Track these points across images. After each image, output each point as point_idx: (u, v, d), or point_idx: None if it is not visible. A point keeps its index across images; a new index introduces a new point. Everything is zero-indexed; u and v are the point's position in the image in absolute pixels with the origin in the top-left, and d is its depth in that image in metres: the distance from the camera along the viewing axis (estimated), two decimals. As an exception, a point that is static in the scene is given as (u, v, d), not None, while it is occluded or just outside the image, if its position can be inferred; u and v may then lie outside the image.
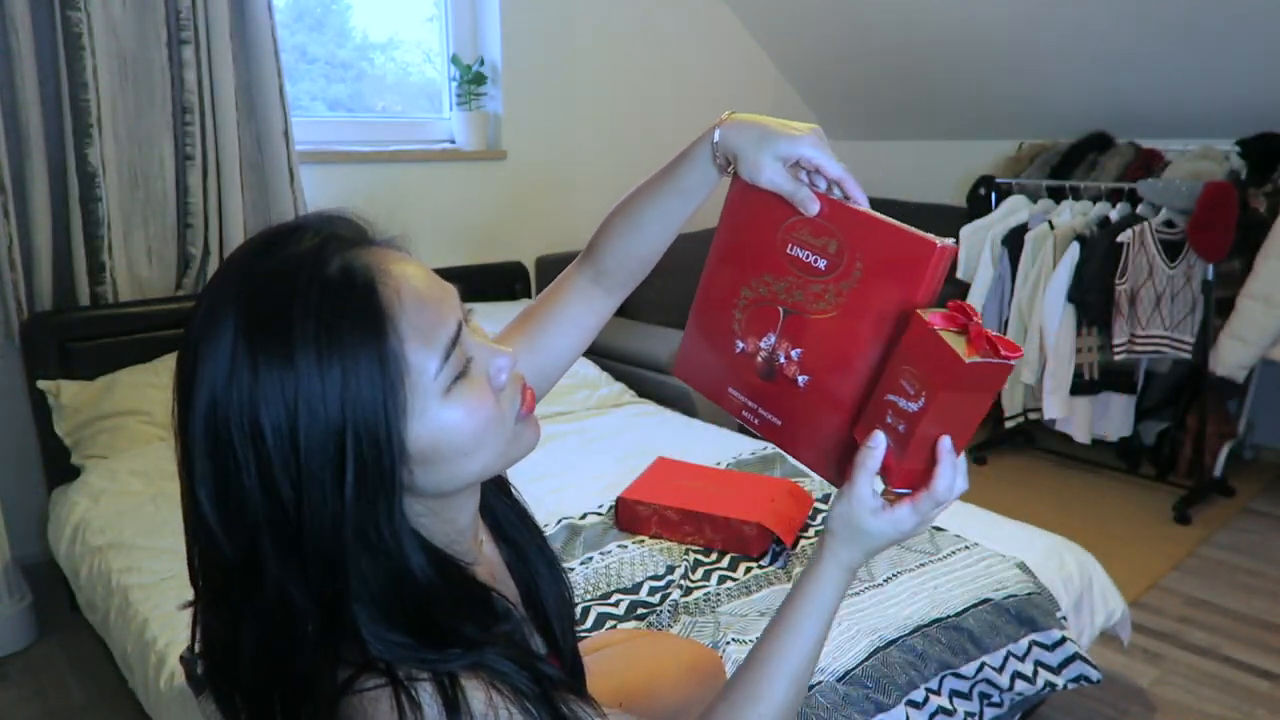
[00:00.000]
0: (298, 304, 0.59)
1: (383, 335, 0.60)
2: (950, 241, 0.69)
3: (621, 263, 0.94)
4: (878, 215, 0.73)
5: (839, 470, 0.75)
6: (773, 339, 0.78)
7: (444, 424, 0.64)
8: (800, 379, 0.77)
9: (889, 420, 0.69)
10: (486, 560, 0.81)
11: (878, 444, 0.71)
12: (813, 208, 0.78)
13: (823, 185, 0.78)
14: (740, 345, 0.81)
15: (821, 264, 0.74)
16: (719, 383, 0.83)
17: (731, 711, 0.76)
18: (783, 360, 0.78)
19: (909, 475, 0.71)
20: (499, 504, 0.87)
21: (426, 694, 0.59)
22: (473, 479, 0.69)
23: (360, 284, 0.61)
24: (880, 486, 0.73)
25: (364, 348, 0.59)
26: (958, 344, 0.64)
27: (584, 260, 0.95)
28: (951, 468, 0.71)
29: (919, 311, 0.67)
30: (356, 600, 0.61)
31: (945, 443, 0.69)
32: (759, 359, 0.80)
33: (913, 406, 0.67)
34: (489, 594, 0.71)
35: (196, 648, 0.67)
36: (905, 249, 0.70)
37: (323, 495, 0.59)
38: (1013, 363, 0.64)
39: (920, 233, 0.70)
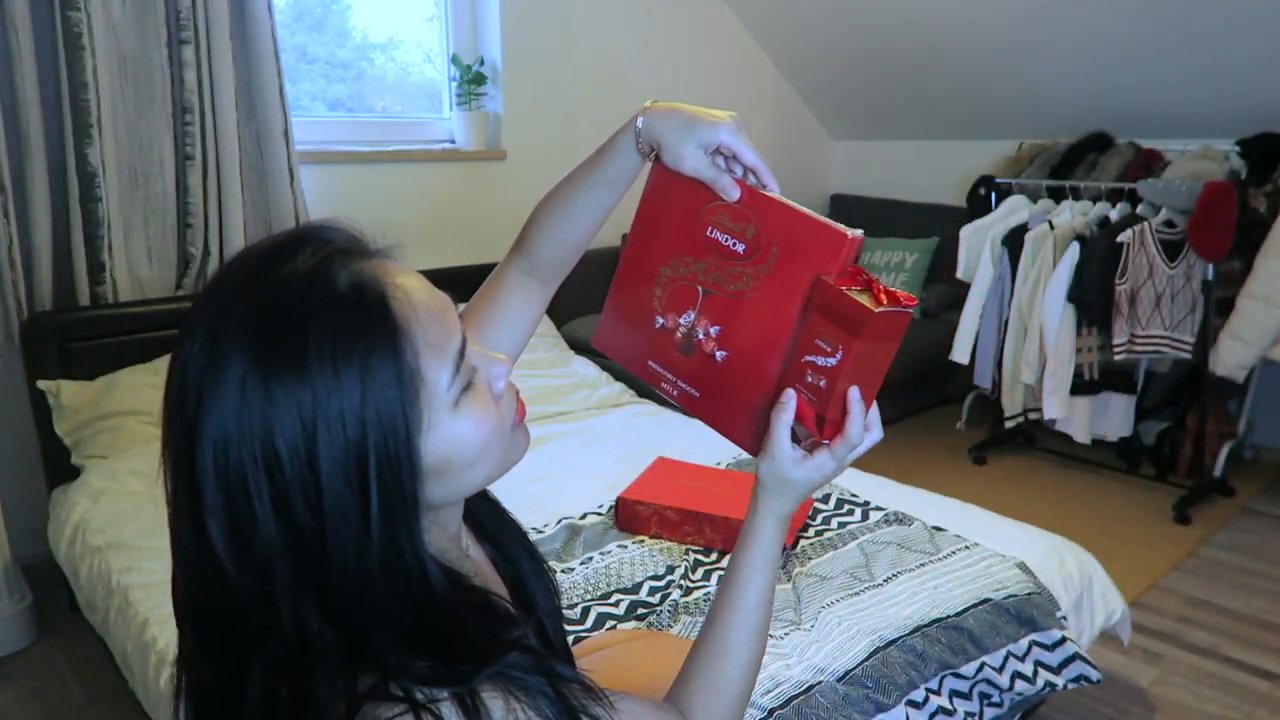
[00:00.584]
0: (312, 322, 0.57)
1: (399, 350, 0.59)
2: (859, 232, 0.75)
3: (554, 253, 0.96)
4: (793, 204, 0.79)
5: (758, 439, 0.81)
6: (692, 316, 0.83)
7: (454, 436, 0.63)
8: (719, 354, 0.82)
9: (809, 379, 0.76)
10: (475, 564, 0.81)
11: (789, 399, 0.77)
12: (733, 194, 0.82)
13: (739, 171, 0.83)
14: (660, 321, 0.85)
15: (740, 248, 0.80)
16: (639, 355, 0.88)
17: (705, 667, 0.81)
18: (701, 336, 0.83)
19: (834, 427, 0.77)
20: (479, 505, 0.87)
21: (449, 712, 0.57)
22: (474, 489, 0.69)
23: (373, 298, 0.59)
24: (795, 439, 0.79)
25: (382, 363, 0.58)
26: (864, 299, 0.72)
27: (516, 253, 0.98)
28: (861, 415, 0.78)
29: (823, 277, 0.74)
30: (381, 625, 0.59)
31: (854, 394, 0.77)
32: (678, 335, 0.84)
33: (831, 361, 0.74)
34: (491, 600, 0.70)
35: (182, 711, 0.62)
36: (819, 238, 0.76)
37: (344, 518, 0.57)
38: (912, 310, 0.72)
39: (832, 223, 0.75)
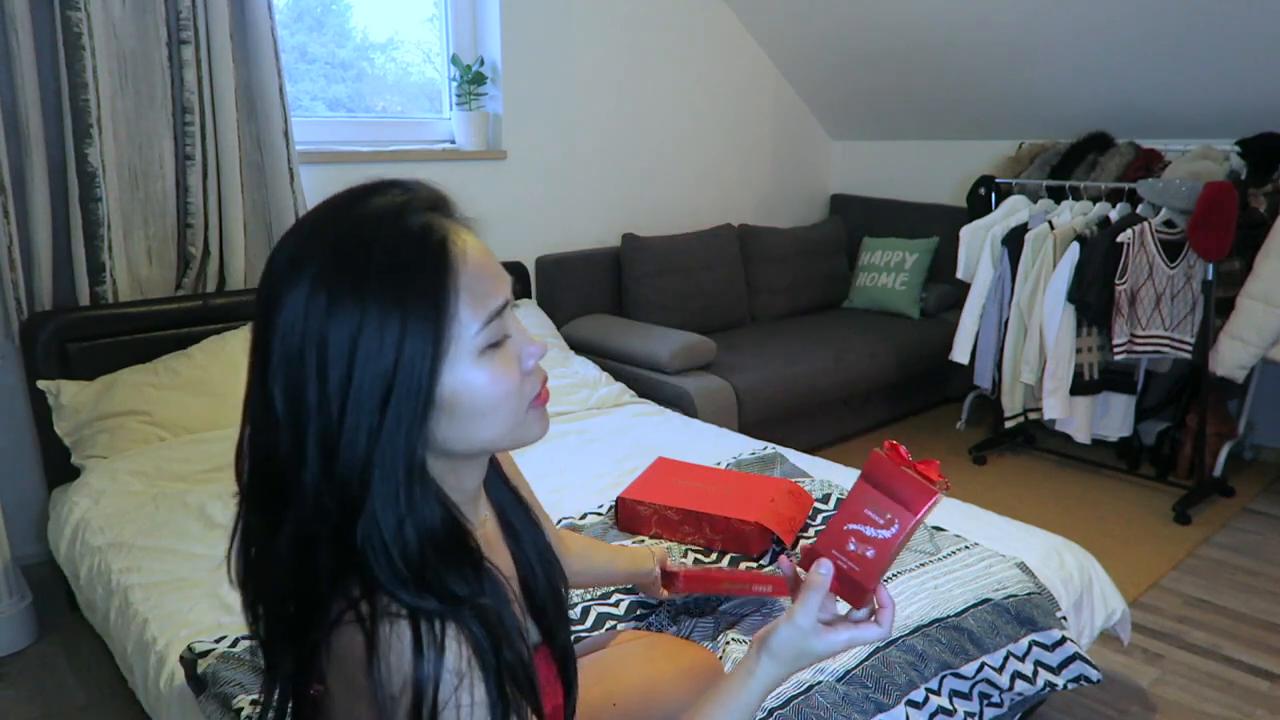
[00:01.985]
0: (377, 248, 0.68)
1: (444, 286, 0.69)
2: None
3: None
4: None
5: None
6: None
7: (469, 381, 0.71)
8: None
9: (851, 548, 0.78)
10: (487, 538, 0.84)
11: (827, 570, 0.81)
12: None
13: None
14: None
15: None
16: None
17: None
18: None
19: (862, 598, 0.79)
20: (502, 492, 0.92)
21: (405, 631, 0.65)
22: (482, 445, 0.75)
23: (435, 239, 0.70)
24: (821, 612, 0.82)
25: (428, 292, 0.68)
26: (920, 478, 0.76)
27: None
28: (892, 607, 0.82)
29: (877, 451, 0.78)
30: (369, 520, 0.68)
31: (885, 590, 0.81)
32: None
33: (885, 534, 0.76)
34: (482, 562, 0.75)
35: (235, 548, 0.74)
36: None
37: (359, 411, 0.67)
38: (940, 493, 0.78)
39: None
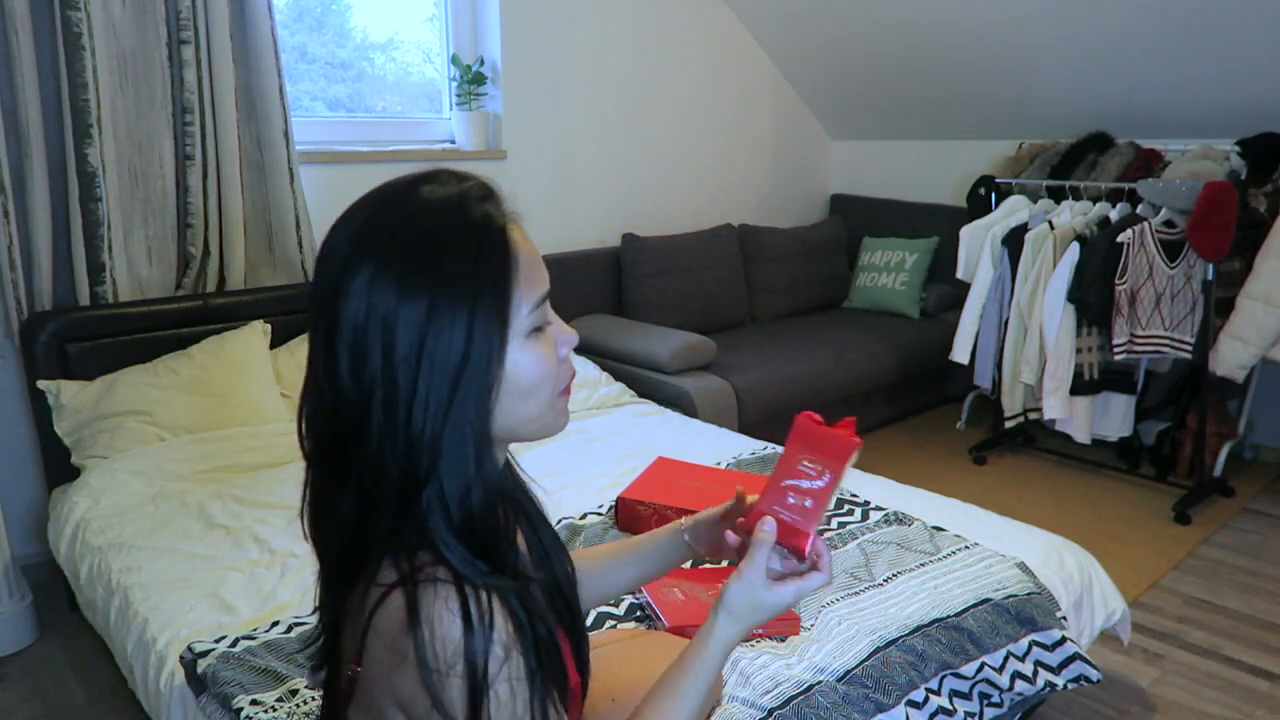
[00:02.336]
0: (445, 234, 0.72)
1: (508, 271, 0.74)
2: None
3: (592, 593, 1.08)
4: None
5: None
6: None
7: (518, 361, 0.75)
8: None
9: (791, 501, 0.85)
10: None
11: (770, 526, 0.85)
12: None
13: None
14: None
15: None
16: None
17: None
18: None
19: (806, 543, 0.85)
20: (515, 480, 0.94)
21: (454, 599, 0.69)
22: (520, 424, 0.78)
23: (496, 228, 0.75)
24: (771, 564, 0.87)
25: (497, 278, 0.73)
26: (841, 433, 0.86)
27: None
28: (827, 552, 0.87)
29: (801, 419, 0.88)
30: (436, 485, 0.72)
31: (820, 541, 0.86)
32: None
33: (819, 484, 0.84)
34: (515, 541, 0.80)
35: (305, 509, 0.79)
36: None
37: (430, 386, 0.71)
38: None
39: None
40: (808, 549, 0.85)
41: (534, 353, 0.76)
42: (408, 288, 0.70)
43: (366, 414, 0.71)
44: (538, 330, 0.77)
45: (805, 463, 0.85)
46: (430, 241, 0.72)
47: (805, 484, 0.84)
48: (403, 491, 0.72)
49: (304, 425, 0.77)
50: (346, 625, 0.76)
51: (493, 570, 0.73)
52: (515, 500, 0.92)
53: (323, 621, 0.82)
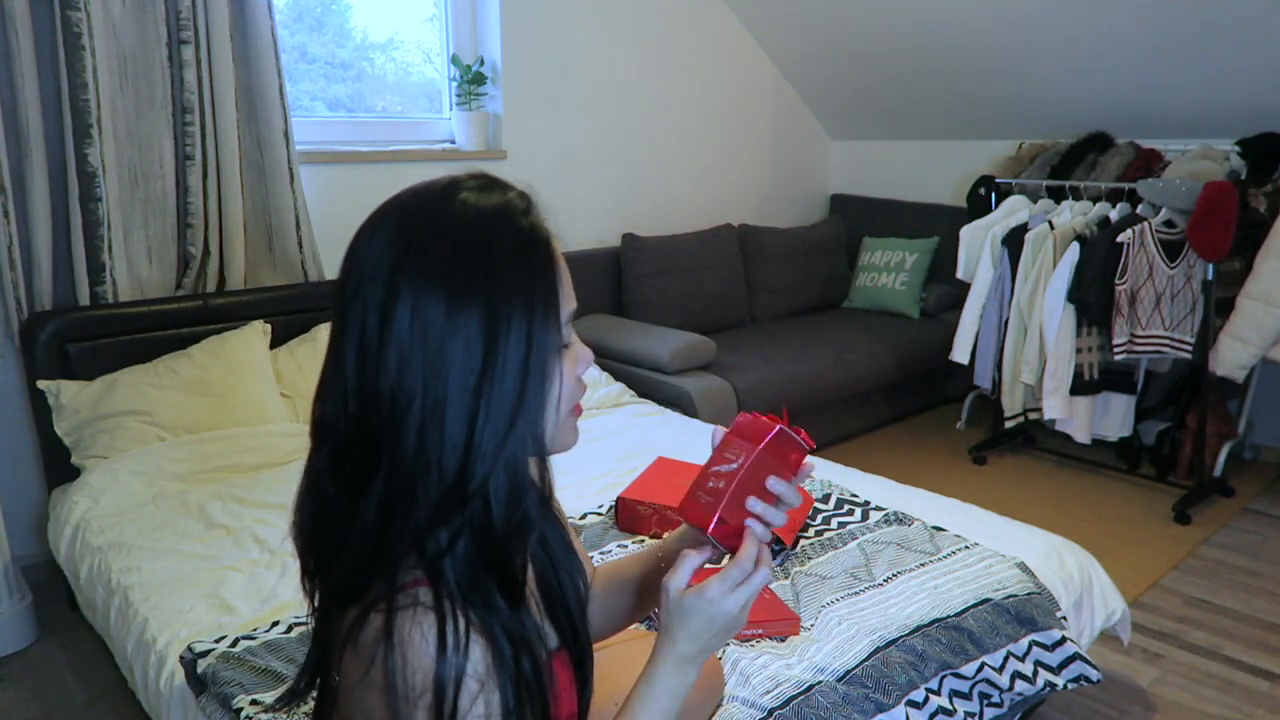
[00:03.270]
0: (500, 243, 0.71)
1: (557, 283, 0.74)
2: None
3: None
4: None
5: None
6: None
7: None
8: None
9: (709, 485, 0.84)
10: None
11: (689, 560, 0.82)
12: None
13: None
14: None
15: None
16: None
17: None
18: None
19: (728, 531, 0.83)
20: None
21: (431, 626, 0.67)
22: (540, 438, 0.75)
23: (543, 240, 0.74)
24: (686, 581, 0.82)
25: (548, 288, 0.72)
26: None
27: None
28: (754, 542, 0.81)
29: (743, 413, 0.88)
30: (479, 504, 0.71)
31: (754, 525, 0.83)
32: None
33: (733, 466, 0.83)
34: (523, 574, 0.76)
35: (296, 513, 0.77)
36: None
37: (489, 401, 0.69)
38: (807, 449, 0.86)
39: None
40: (711, 526, 0.81)
41: (561, 365, 0.76)
42: (460, 298, 0.68)
43: (404, 421, 0.69)
44: (565, 347, 0.76)
45: (728, 450, 0.85)
46: (481, 250, 0.70)
47: (724, 468, 0.84)
48: (443, 502, 0.70)
49: (318, 426, 0.75)
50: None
51: (492, 594, 0.71)
52: (542, 542, 0.91)
53: (317, 630, 0.79)
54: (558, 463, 0.92)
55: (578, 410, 0.82)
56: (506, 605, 0.73)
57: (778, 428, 0.84)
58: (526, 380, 0.70)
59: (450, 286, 0.68)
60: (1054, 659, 1.61)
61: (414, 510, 0.70)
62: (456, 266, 0.69)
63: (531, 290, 0.71)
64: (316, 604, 0.79)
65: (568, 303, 0.76)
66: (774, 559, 1.81)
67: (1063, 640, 1.63)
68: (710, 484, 0.84)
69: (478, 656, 0.67)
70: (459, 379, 0.69)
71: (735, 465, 0.83)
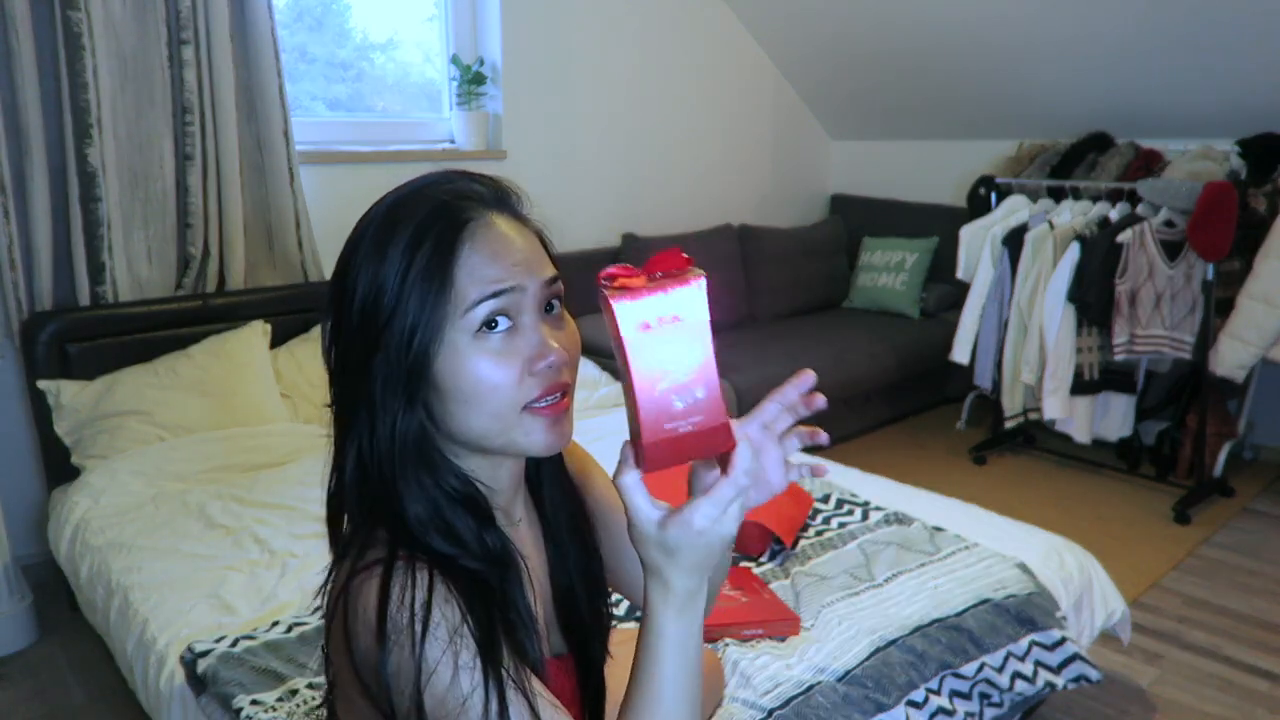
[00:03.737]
0: (403, 210, 0.72)
1: (453, 254, 0.70)
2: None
3: None
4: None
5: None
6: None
7: (460, 364, 0.70)
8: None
9: (679, 406, 0.64)
10: (520, 538, 0.82)
11: (625, 464, 0.67)
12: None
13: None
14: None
15: None
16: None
17: None
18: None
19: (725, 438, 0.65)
20: (557, 500, 0.88)
21: (404, 575, 0.67)
22: (472, 436, 0.73)
23: (457, 215, 0.72)
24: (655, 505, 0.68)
25: (437, 258, 0.69)
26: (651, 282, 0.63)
27: None
28: (749, 450, 0.66)
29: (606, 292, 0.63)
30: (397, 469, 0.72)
31: (736, 425, 0.67)
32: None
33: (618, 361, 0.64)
34: (488, 539, 0.74)
35: (333, 477, 0.78)
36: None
37: (384, 368, 0.70)
38: (693, 283, 0.62)
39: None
40: (728, 443, 0.65)
41: (481, 357, 0.69)
42: (365, 259, 0.72)
43: (362, 393, 0.73)
44: (494, 331, 0.70)
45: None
46: (388, 216, 0.73)
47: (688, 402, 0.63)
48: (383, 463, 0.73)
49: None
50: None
51: (448, 541, 0.72)
52: (546, 522, 0.88)
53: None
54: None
55: (552, 408, 0.72)
56: (474, 524, 0.74)
57: (702, 278, 0.63)
58: (411, 356, 0.69)
59: (362, 247, 0.72)
60: (1054, 659, 1.61)
61: (371, 470, 0.73)
62: (373, 228, 0.73)
63: (413, 252, 0.70)
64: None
65: (493, 280, 0.69)
66: (775, 559, 1.81)
67: (1063, 640, 1.63)
68: (680, 404, 0.62)
69: (438, 607, 0.66)
70: (365, 330, 0.72)
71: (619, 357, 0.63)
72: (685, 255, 0.64)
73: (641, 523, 0.67)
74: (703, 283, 0.63)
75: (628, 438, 0.67)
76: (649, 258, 0.65)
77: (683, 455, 0.65)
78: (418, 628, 0.65)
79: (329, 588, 0.74)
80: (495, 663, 0.66)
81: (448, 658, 0.65)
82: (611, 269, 0.65)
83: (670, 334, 0.63)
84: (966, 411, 3.86)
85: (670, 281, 0.63)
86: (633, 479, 0.66)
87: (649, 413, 0.63)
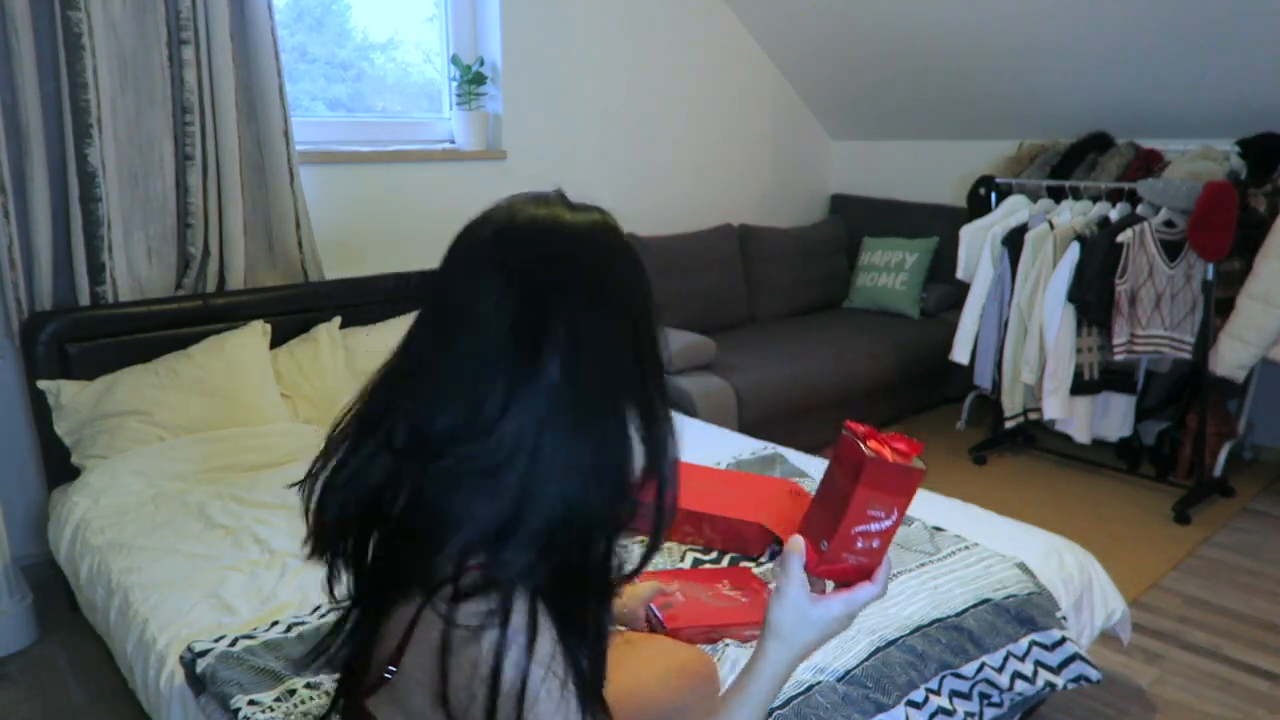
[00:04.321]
0: (615, 263, 0.77)
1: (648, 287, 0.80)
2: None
3: None
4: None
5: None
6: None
7: None
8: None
9: (859, 546, 0.84)
10: None
11: (798, 542, 0.84)
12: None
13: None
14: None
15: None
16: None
17: None
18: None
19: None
20: None
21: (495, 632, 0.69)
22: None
23: (628, 241, 0.81)
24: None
25: (654, 305, 0.79)
26: (911, 462, 0.83)
27: None
28: (888, 566, 0.85)
29: (867, 456, 0.82)
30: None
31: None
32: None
33: (887, 524, 0.83)
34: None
35: (319, 483, 0.78)
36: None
37: (604, 392, 0.76)
38: (917, 476, 0.83)
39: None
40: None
41: None
42: (613, 311, 0.75)
43: (491, 414, 0.73)
44: None
45: (872, 507, 0.83)
46: (602, 265, 0.76)
47: (874, 527, 0.83)
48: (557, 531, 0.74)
49: (388, 409, 0.76)
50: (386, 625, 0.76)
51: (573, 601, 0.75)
52: None
53: (362, 608, 0.81)
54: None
55: None
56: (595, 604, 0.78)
57: (924, 472, 0.83)
58: (640, 383, 0.80)
59: (599, 300, 0.75)
60: (1054, 659, 1.61)
61: (533, 525, 0.73)
62: (599, 282, 0.75)
63: (650, 303, 0.78)
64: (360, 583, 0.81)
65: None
66: (774, 559, 1.81)
67: (1063, 640, 1.63)
68: (860, 544, 0.84)
69: (545, 642, 0.70)
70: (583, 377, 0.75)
71: (890, 523, 0.83)
72: (916, 441, 0.84)
73: (797, 589, 0.83)
74: (921, 477, 0.83)
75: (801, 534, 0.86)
76: (883, 433, 0.85)
77: (838, 574, 0.85)
78: (536, 671, 0.69)
79: (419, 608, 0.72)
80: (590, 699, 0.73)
81: (545, 695, 0.70)
82: (859, 426, 0.85)
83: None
84: (966, 411, 3.86)
85: (905, 468, 0.82)
86: (797, 561, 0.83)
87: (840, 541, 0.83)
